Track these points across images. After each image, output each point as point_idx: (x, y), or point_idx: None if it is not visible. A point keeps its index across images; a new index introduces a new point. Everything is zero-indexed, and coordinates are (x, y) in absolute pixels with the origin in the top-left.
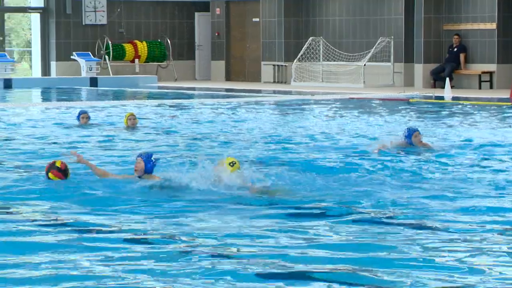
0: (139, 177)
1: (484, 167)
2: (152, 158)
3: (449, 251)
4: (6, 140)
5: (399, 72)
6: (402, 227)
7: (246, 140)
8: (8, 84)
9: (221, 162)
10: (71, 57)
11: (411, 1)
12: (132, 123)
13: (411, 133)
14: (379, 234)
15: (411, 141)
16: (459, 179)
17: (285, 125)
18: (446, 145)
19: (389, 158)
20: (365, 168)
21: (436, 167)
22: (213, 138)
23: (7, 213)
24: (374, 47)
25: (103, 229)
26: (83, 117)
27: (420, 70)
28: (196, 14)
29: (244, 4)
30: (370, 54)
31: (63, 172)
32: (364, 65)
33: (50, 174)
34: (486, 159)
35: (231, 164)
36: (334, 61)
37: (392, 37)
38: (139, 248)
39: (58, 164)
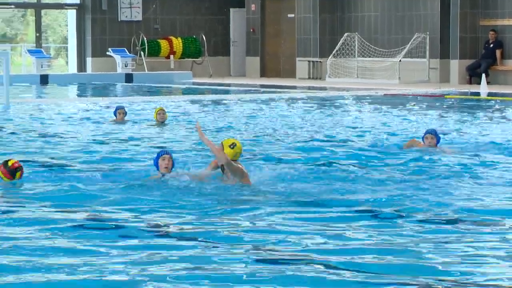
0: (163, 175)
1: None
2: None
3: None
4: (42, 136)
5: (434, 68)
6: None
7: (275, 136)
8: (44, 80)
9: (221, 147)
10: (107, 53)
11: None
12: (161, 118)
13: (424, 134)
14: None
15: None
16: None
17: (318, 121)
18: (466, 146)
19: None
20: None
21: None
22: (245, 133)
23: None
24: (409, 43)
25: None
26: (120, 113)
27: (455, 66)
28: (231, 10)
29: (279, 0)
30: (405, 50)
31: (10, 172)
32: (400, 61)
33: None
34: None
35: (231, 146)
36: (369, 57)
37: (428, 33)
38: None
39: (10, 163)
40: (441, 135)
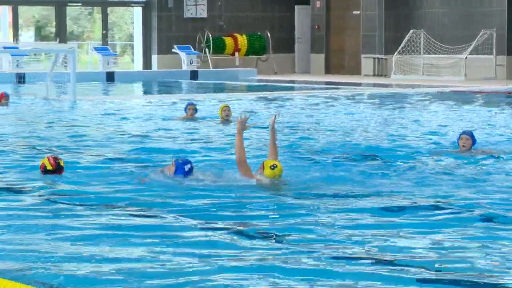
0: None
1: None
2: (185, 167)
3: None
4: (110, 133)
5: (501, 65)
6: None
7: (340, 133)
8: (110, 77)
9: (262, 166)
10: (172, 50)
11: None
12: (226, 115)
13: (459, 135)
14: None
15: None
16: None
17: (383, 118)
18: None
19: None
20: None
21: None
22: (308, 130)
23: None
24: (476, 40)
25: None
26: (190, 109)
27: None
28: (296, 7)
29: None
30: (472, 47)
31: (57, 165)
32: (466, 57)
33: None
34: None
35: (272, 167)
36: (435, 53)
37: (495, 29)
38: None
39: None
40: None
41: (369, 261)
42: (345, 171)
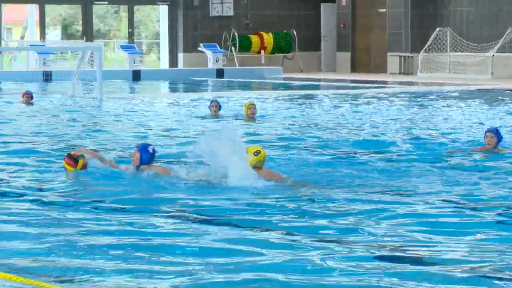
0: (137, 167)
1: None
2: (149, 149)
3: None
4: (134, 131)
5: None
6: None
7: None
8: (137, 75)
9: (245, 151)
10: (198, 48)
11: None
12: (252, 112)
13: (484, 133)
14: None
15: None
16: None
17: (408, 117)
18: None
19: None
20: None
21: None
22: (333, 129)
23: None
24: (503, 38)
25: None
26: (213, 106)
27: None
28: (322, 5)
29: None
30: (498, 45)
31: (73, 159)
32: (493, 56)
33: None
34: None
35: (256, 153)
36: (462, 52)
37: None
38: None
39: (71, 153)
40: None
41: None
42: (373, 170)
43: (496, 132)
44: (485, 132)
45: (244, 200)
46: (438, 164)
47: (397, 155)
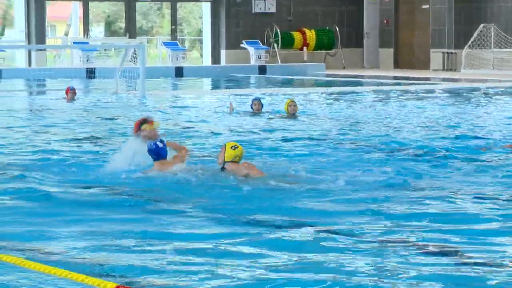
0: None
1: None
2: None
3: None
4: (176, 128)
5: None
6: None
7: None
8: (179, 72)
9: (223, 148)
10: (241, 45)
11: None
12: (292, 110)
13: None
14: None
15: None
16: None
17: (452, 113)
18: None
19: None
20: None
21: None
22: (373, 125)
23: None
24: None
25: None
26: (256, 104)
27: None
28: (365, 1)
29: None
30: None
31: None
32: None
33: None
34: None
35: (233, 147)
36: (506, 48)
37: None
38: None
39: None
40: None
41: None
42: (418, 167)
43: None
44: None
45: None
46: (475, 162)
47: (437, 153)
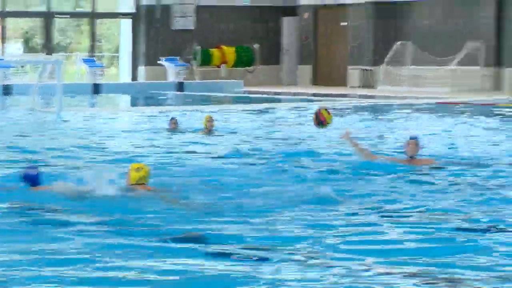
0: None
1: None
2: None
3: None
4: (92, 145)
5: (488, 76)
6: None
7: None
8: (97, 89)
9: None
10: (158, 62)
11: (502, 3)
12: (210, 125)
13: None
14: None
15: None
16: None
17: (369, 129)
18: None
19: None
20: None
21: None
22: (293, 143)
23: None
24: (462, 51)
25: None
26: (173, 123)
27: (510, 74)
28: (284, 18)
29: (332, 8)
30: (458, 58)
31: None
32: (452, 69)
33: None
34: None
35: (137, 169)
36: (422, 65)
37: (482, 40)
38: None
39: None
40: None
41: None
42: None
43: (417, 140)
44: (408, 140)
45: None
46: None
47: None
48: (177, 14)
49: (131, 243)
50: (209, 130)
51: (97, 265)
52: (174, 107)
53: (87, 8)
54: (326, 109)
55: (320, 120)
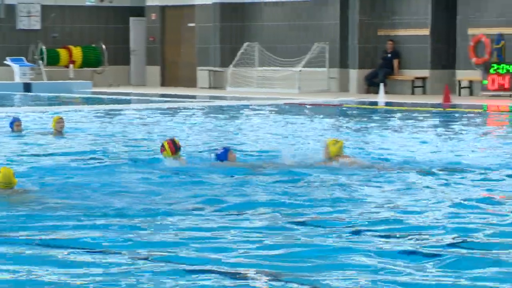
0: None
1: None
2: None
3: None
4: None
5: (334, 78)
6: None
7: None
8: None
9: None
10: (4, 62)
11: (346, 6)
12: (60, 127)
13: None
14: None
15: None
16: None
17: (216, 130)
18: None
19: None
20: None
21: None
22: (141, 142)
23: None
24: (309, 53)
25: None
26: (17, 125)
27: (355, 75)
28: (131, 19)
29: (179, 9)
30: (305, 60)
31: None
32: (300, 70)
33: (165, 143)
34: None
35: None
36: (270, 66)
37: (328, 42)
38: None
39: (176, 141)
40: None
41: None
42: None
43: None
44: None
45: None
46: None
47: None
48: (22, 13)
49: None
50: (58, 131)
51: None
52: (21, 108)
53: None
54: (172, 139)
55: (178, 146)
